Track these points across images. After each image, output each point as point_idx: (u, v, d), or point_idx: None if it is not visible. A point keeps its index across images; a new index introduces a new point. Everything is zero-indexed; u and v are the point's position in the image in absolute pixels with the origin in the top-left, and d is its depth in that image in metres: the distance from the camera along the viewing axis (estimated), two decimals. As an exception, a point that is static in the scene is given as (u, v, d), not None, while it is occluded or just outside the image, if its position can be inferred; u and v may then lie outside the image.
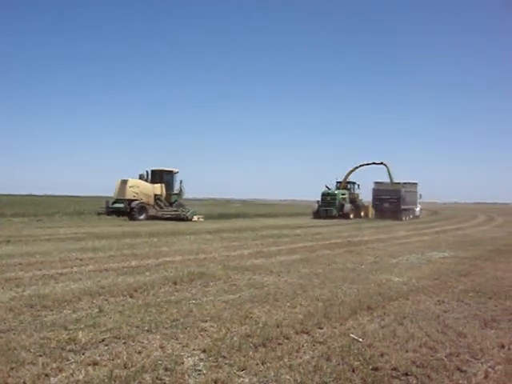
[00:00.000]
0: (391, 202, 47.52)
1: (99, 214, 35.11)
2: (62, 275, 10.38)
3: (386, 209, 47.64)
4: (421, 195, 54.22)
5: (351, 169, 50.60)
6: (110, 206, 35.18)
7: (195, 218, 36.33)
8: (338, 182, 49.86)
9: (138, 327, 6.54)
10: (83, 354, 5.45)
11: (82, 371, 4.95)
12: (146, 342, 5.97)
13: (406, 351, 5.86)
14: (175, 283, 9.74)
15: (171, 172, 38.43)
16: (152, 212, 35.63)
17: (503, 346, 6.19)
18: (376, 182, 51.35)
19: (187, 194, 40.02)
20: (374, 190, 50.66)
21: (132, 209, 33.72)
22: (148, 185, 36.51)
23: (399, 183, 49.76)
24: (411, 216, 50.08)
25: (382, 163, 49.67)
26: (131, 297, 8.48)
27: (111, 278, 10.26)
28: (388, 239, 22.04)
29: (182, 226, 28.01)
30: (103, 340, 5.96)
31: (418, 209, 54.13)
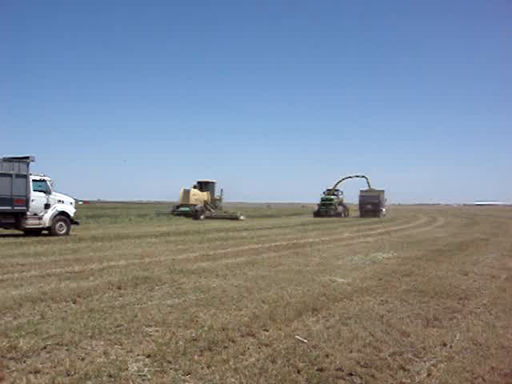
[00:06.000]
0: (372, 204, 62.07)
1: (159, 214, 46.55)
2: (2, 281, 10.10)
3: (368, 209, 61.70)
4: (386, 199, 67.45)
5: (338, 180, 65.08)
6: (176, 209, 46.83)
7: (241, 217, 47.59)
8: (328, 190, 63.98)
9: (81, 333, 6.42)
10: (24, 362, 5.33)
11: (24, 379, 4.84)
12: (89, 348, 5.87)
13: (351, 351, 5.96)
14: (119, 288, 9.60)
15: (213, 182, 51.28)
16: (207, 213, 47.09)
17: (445, 345, 6.38)
18: (361, 190, 65.20)
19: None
20: (361, 196, 64.53)
21: (196, 211, 45.19)
22: (200, 192, 48.76)
23: (377, 190, 64.14)
24: (383, 215, 62.68)
25: (363, 176, 65.76)
26: (74, 302, 8.32)
27: (54, 283, 10.03)
28: (333, 241, 22.34)
29: (127, 229, 27.61)
30: (45, 347, 5.82)
31: (384, 210, 65.98)
